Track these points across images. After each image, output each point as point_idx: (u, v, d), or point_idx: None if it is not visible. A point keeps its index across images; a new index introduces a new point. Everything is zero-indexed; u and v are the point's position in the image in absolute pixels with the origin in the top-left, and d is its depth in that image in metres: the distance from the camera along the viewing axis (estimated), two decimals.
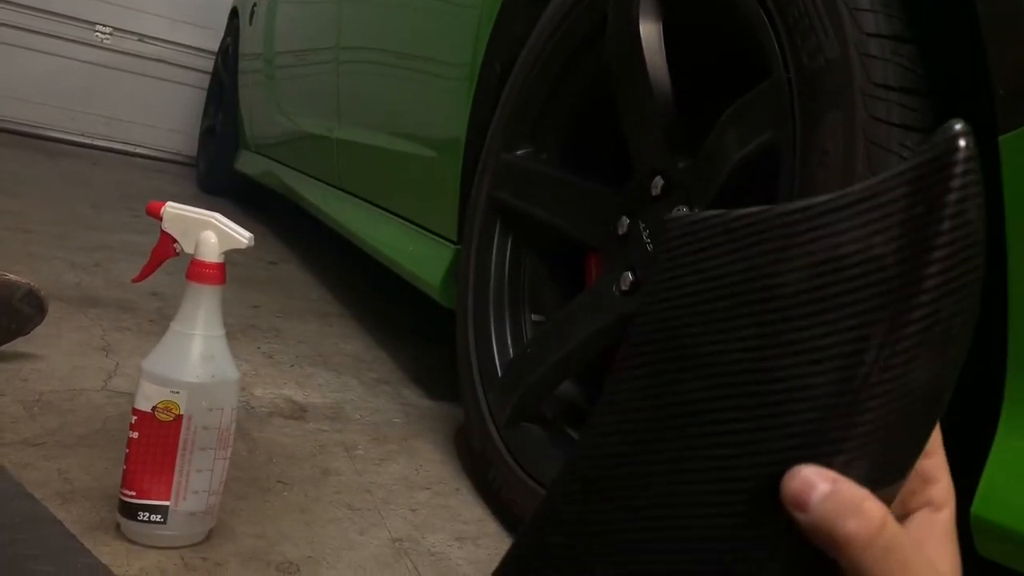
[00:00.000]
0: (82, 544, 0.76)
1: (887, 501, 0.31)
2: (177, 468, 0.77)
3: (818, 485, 0.29)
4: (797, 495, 0.30)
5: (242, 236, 0.80)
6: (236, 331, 1.54)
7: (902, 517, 0.34)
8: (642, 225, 0.92)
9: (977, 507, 0.59)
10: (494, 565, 0.38)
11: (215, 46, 3.95)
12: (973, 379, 0.60)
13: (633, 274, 0.92)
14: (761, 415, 0.31)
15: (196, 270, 0.79)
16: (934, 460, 0.35)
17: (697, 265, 0.35)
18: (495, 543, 0.96)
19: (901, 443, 0.32)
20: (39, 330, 1.18)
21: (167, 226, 0.82)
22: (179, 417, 0.77)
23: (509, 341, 1.13)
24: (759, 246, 0.33)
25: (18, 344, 1.17)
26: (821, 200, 0.33)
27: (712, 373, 0.33)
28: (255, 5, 3.15)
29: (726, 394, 0.33)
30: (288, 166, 2.61)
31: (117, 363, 1.25)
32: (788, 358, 0.31)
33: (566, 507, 0.37)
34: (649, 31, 0.92)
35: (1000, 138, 0.57)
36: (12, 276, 1.15)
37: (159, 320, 1.49)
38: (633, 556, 0.34)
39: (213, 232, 0.80)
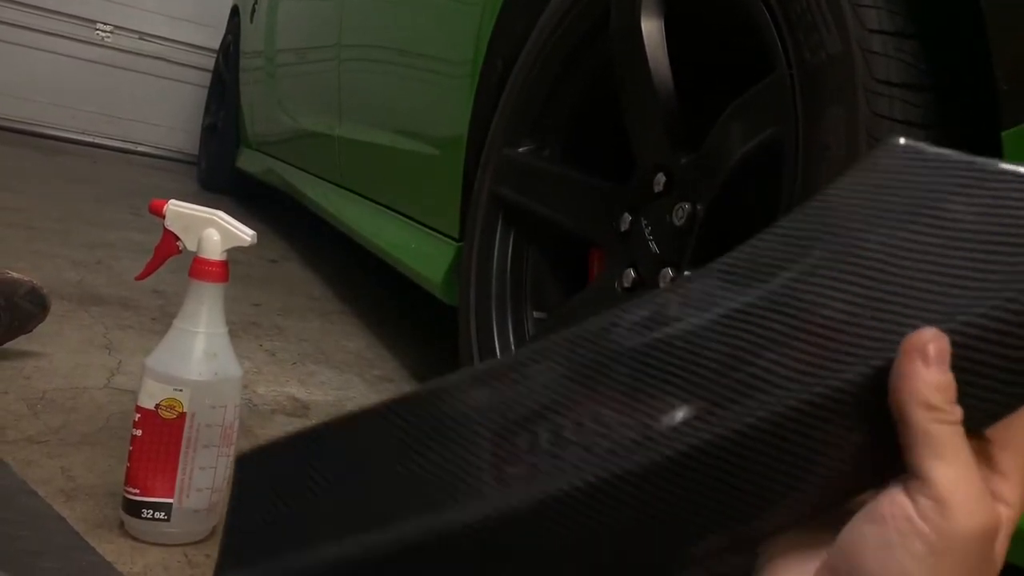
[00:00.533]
0: (86, 541, 0.76)
1: None
2: (180, 465, 0.77)
3: (946, 357, 0.32)
4: (933, 349, 0.32)
5: (244, 234, 0.80)
6: (239, 329, 1.54)
7: None
8: (644, 222, 0.92)
9: None
10: None
11: (216, 44, 3.95)
12: None
13: (635, 271, 0.92)
14: None
15: (199, 268, 0.79)
16: (1010, 453, 0.35)
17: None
18: None
19: None
20: (42, 328, 1.18)
21: (170, 224, 0.82)
22: (182, 415, 0.77)
23: (511, 338, 1.13)
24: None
25: (21, 342, 1.17)
26: None
27: None
28: (256, 3, 3.15)
29: None
30: (290, 164, 2.62)
31: (120, 361, 1.25)
32: None
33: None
34: (651, 27, 0.92)
35: (1003, 134, 0.57)
36: (14, 274, 1.15)
37: (161, 318, 1.49)
38: None
39: (216, 230, 0.80)
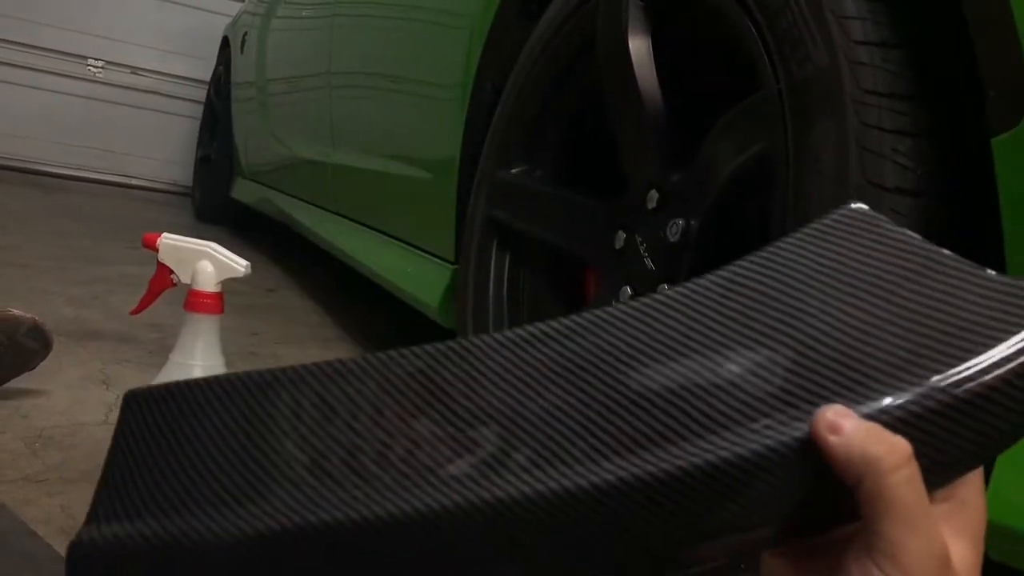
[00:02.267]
0: None
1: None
2: None
3: (852, 416, 0.32)
4: (833, 422, 0.32)
5: (239, 264, 0.80)
6: (237, 359, 1.54)
7: None
8: (639, 239, 0.92)
9: (989, 512, 0.58)
10: None
11: (207, 76, 3.98)
12: None
13: (632, 288, 0.92)
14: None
15: (194, 300, 0.79)
16: (969, 506, 0.36)
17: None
18: None
19: None
20: (40, 365, 1.18)
21: (163, 257, 0.82)
22: None
23: None
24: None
25: (19, 380, 1.16)
26: None
27: None
28: (246, 34, 3.17)
29: None
30: (284, 192, 2.62)
31: (118, 396, 1.24)
32: None
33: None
34: (638, 45, 0.92)
35: (992, 140, 0.57)
36: (16, 311, 1.14)
37: (159, 351, 1.49)
38: None
39: (209, 262, 0.80)
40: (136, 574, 0.36)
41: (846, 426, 0.32)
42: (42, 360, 1.17)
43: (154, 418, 0.39)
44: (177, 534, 0.35)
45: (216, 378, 0.39)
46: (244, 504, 0.35)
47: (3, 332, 1.11)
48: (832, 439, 0.32)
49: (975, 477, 0.36)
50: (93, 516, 0.37)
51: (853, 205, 0.40)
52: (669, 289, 0.39)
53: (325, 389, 0.37)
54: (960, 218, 0.64)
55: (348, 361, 0.38)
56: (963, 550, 0.35)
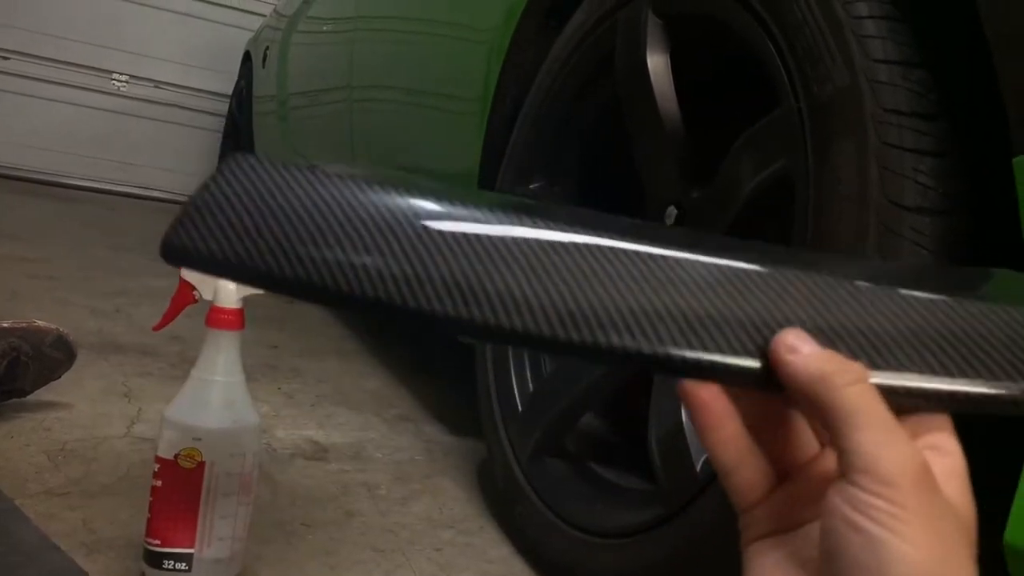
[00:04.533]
0: None
1: None
2: (201, 515, 0.77)
3: (810, 341, 0.34)
4: (791, 343, 0.34)
5: None
6: (256, 372, 1.55)
7: None
8: None
9: (1010, 534, 0.58)
10: None
11: (229, 89, 4.02)
12: None
13: None
14: None
15: (215, 316, 0.79)
16: (941, 426, 0.36)
17: None
18: None
19: None
20: (62, 378, 1.19)
21: (185, 273, 0.83)
22: (201, 464, 0.77)
23: (528, 374, 1.13)
24: None
25: (41, 392, 1.18)
26: None
27: None
28: (267, 48, 3.20)
29: None
30: None
31: (140, 409, 1.25)
32: None
33: None
34: (657, 63, 0.93)
35: (1015, 160, 0.56)
36: (41, 323, 1.16)
37: (180, 364, 1.50)
38: None
39: None
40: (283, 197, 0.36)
41: (803, 348, 0.33)
42: (66, 371, 1.18)
43: (258, 184, 0.38)
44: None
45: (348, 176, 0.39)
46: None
47: (29, 343, 1.12)
48: (789, 358, 0.33)
49: (944, 421, 0.36)
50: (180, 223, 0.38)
51: None
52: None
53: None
54: (982, 237, 0.63)
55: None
56: (936, 457, 0.34)
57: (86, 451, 1.06)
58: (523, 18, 1.22)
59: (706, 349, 0.34)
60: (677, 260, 0.37)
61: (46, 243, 2.55)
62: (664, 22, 0.94)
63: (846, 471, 0.32)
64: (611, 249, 0.37)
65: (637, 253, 0.37)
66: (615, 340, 0.34)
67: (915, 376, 0.35)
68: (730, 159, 0.81)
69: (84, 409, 1.21)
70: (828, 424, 0.33)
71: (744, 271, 0.37)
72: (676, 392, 0.40)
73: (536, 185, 1.16)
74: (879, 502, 0.31)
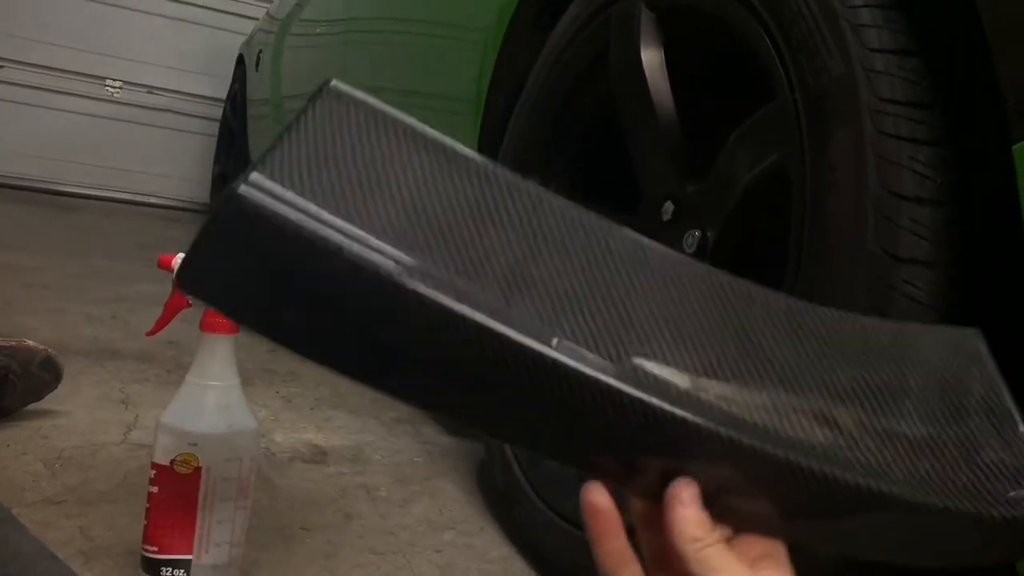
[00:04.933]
0: None
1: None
2: (198, 521, 0.77)
3: (696, 503, 0.41)
4: (683, 499, 0.41)
5: None
6: (254, 376, 1.54)
7: None
8: None
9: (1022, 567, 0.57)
10: None
11: (223, 93, 4.01)
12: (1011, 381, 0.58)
13: None
14: None
15: (209, 320, 0.78)
16: (781, 543, 0.45)
17: None
18: None
19: None
20: (57, 388, 1.18)
21: None
22: (197, 469, 0.76)
23: None
24: None
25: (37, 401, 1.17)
26: None
27: None
28: (260, 51, 3.19)
29: None
30: None
31: (137, 415, 1.24)
32: None
33: None
34: (651, 57, 0.92)
35: (1014, 147, 0.56)
36: (31, 343, 1.15)
37: (176, 369, 1.49)
38: None
39: None
40: (274, 245, 0.36)
41: (688, 509, 0.41)
42: (51, 392, 1.17)
43: (357, 121, 0.40)
44: (334, 235, 0.36)
45: (440, 139, 0.42)
46: (406, 249, 0.36)
47: (18, 362, 1.12)
48: (679, 511, 0.41)
49: (782, 555, 0.44)
50: (260, 170, 0.37)
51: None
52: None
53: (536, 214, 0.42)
54: (981, 227, 0.63)
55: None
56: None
57: (83, 458, 1.06)
58: (515, 16, 1.21)
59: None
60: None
61: (41, 251, 2.54)
62: (657, 16, 0.93)
63: None
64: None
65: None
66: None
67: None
68: (726, 153, 0.81)
69: (81, 416, 1.20)
70: (691, 568, 0.41)
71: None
72: None
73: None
74: None
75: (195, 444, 0.76)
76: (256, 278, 0.38)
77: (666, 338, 0.40)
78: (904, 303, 0.60)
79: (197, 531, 0.77)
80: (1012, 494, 0.40)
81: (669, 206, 0.89)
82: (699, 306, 0.43)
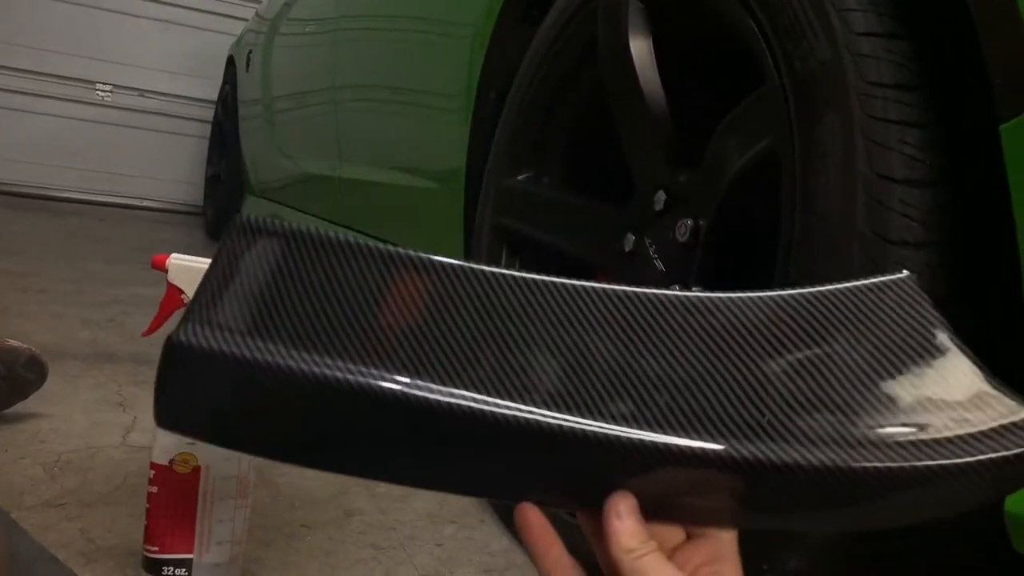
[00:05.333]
0: None
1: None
2: (199, 520, 0.77)
3: (634, 514, 0.43)
4: (620, 511, 0.43)
5: None
6: None
7: None
8: (648, 241, 0.91)
9: (1010, 503, 0.57)
10: None
11: (214, 95, 4.00)
12: (1003, 362, 0.59)
13: None
14: None
15: None
16: (726, 541, 0.46)
17: None
18: (523, 574, 0.94)
19: None
20: (56, 389, 1.18)
21: (173, 278, 0.82)
22: (197, 468, 0.76)
23: None
24: None
25: (34, 405, 1.17)
26: None
27: None
28: (250, 52, 3.18)
29: None
30: (295, 208, 2.63)
31: (135, 417, 1.25)
32: None
33: None
34: (640, 47, 0.92)
35: (1000, 127, 0.56)
36: (14, 342, 1.15)
37: None
38: None
39: None
40: (221, 382, 0.39)
41: (625, 521, 0.43)
42: (35, 390, 1.17)
43: (266, 250, 0.43)
44: (271, 360, 0.38)
45: (341, 239, 0.45)
46: (344, 357, 0.39)
47: (3, 363, 1.12)
48: (615, 523, 0.43)
49: (731, 553, 0.46)
50: (190, 318, 0.40)
51: (901, 274, 0.48)
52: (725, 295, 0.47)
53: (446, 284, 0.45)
54: (972, 207, 0.63)
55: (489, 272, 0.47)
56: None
57: (82, 461, 1.06)
58: (504, 10, 1.21)
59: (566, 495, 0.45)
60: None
61: (35, 256, 2.54)
62: (646, 6, 0.93)
63: None
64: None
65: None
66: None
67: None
68: (716, 140, 0.81)
69: (79, 420, 1.20)
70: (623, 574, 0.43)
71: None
72: None
73: (524, 176, 1.16)
74: None
75: (193, 443, 0.76)
76: (217, 407, 0.42)
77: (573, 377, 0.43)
78: None
79: (198, 530, 0.77)
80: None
81: (661, 196, 0.89)
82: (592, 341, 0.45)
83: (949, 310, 0.61)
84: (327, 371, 0.38)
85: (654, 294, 0.47)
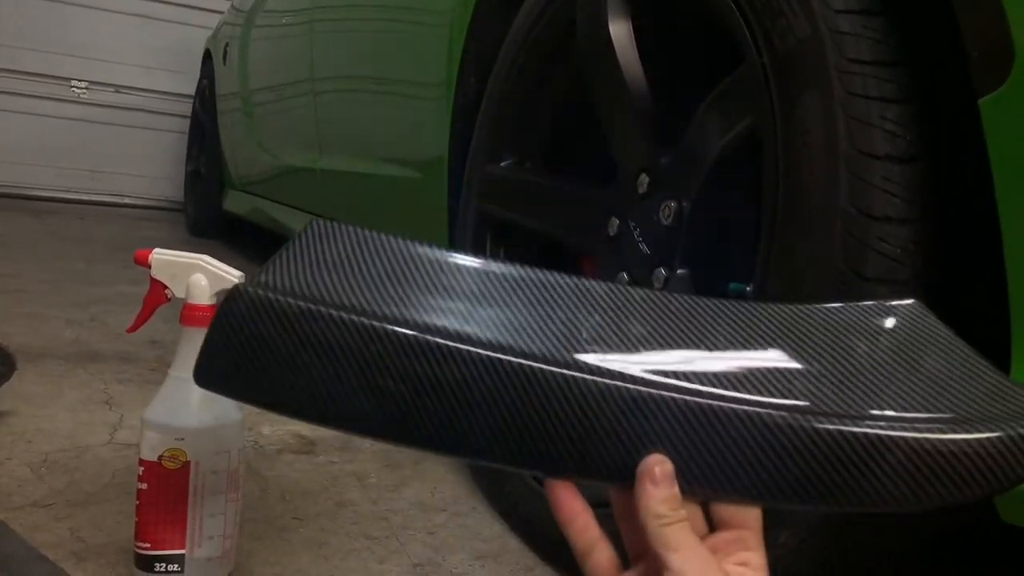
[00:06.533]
0: None
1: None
2: (189, 515, 0.76)
3: (669, 478, 0.43)
4: (656, 475, 0.43)
5: (232, 275, 0.80)
6: None
7: None
8: (632, 224, 0.92)
9: None
10: None
11: (192, 89, 3.96)
12: (985, 324, 0.59)
13: (628, 274, 0.91)
14: None
15: (189, 314, 0.78)
16: (752, 533, 0.45)
17: None
18: (516, 559, 0.95)
19: None
20: (40, 389, 1.17)
21: (156, 273, 0.82)
22: (186, 464, 0.76)
23: None
24: None
25: (19, 405, 1.16)
26: None
27: None
28: (227, 45, 3.15)
29: None
30: (275, 201, 2.61)
31: (121, 415, 1.24)
32: None
33: None
34: (619, 29, 0.92)
35: (979, 101, 0.56)
36: None
37: (159, 368, 1.48)
38: None
39: (203, 274, 0.79)
40: (276, 337, 0.42)
41: (660, 486, 0.43)
42: (6, 382, 1.16)
43: (337, 245, 0.48)
44: (328, 319, 0.42)
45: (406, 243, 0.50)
46: (402, 307, 0.44)
47: None
48: (649, 486, 0.43)
49: (756, 542, 0.45)
50: (259, 279, 0.44)
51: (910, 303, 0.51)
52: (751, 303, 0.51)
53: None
54: (953, 181, 0.63)
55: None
56: (743, 569, 0.44)
57: (69, 461, 1.05)
58: None
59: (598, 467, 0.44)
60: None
61: (14, 257, 2.52)
62: None
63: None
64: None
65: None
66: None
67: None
68: (697, 121, 0.81)
69: (65, 419, 1.19)
70: (651, 543, 0.43)
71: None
72: None
73: (506, 163, 1.15)
74: None
75: (182, 439, 0.76)
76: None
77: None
78: (879, 260, 0.61)
79: (189, 525, 0.77)
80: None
81: (644, 178, 0.89)
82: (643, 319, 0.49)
83: (932, 286, 0.62)
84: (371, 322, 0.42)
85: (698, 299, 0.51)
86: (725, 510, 0.46)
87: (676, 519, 0.43)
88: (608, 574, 0.47)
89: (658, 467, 0.43)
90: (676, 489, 0.43)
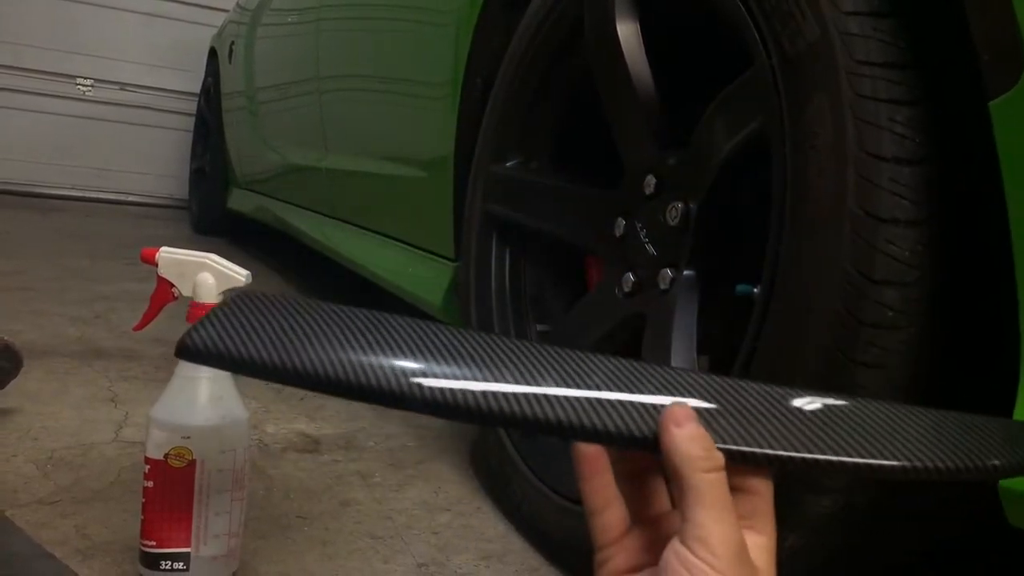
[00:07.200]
0: None
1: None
2: (195, 513, 0.77)
3: (694, 419, 0.41)
4: (679, 416, 0.41)
5: (239, 274, 0.80)
6: None
7: None
8: (638, 225, 0.91)
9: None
10: None
11: (197, 88, 3.96)
12: (994, 339, 0.59)
13: (634, 275, 0.91)
14: None
15: (196, 312, 0.78)
16: (762, 499, 0.44)
17: None
18: (521, 559, 0.95)
19: None
20: (45, 386, 1.17)
21: (163, 271, 0.82)
22: (192, 462, 0.76)
23: None
24: None
25: (24, 402, 1.16)
26: None
27: None
28: (232, 43, 3.16)
29: None
30: (280, 200, 2.61)
31: (127, 413, 1.24)
32: None
33: None
34: (627, 30, 0.92)
35: (990, 104, 0.56)
36: None
37: (165, 366, 1.48)
38: None
39: (209, 273, 0.79)
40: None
41: (685, 426, 0.41)
42: (13, 379, 1.16)
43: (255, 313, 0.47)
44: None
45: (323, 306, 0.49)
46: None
47: None
48: (673, 430, 0.41)
49: (767, 507, 0.44)
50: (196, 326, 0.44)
51: None
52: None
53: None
54: (962, 184, 0.63)
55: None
56: (755, 535, 0.43)
57: (75, 458, 1.05)
58: None
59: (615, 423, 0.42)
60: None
61: (19, 254, 2.52)
62: None
63: (684, 535, 0.40)
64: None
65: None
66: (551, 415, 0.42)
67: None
68: (705, 123, 0.81)
69: (70, 417, 1.19)
70: (681, 493, 0.41)
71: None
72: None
73: (512, 163, 1.15)
74: (704, 566, 0.39)
75: (188, 437, 0.76)
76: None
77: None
78: (886, 262, 0.60)
79: (194, 523, 0.77)
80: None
81: (651, 179, 0.89)
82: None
83: (941, 287, 0.62)
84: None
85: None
86: (739, 475, 0.44)
87: (713, 465, 0.41)
88: (615, 532, 0.47)
89: (679, 410, 0.41)
90: (702, 428, 0.41)
